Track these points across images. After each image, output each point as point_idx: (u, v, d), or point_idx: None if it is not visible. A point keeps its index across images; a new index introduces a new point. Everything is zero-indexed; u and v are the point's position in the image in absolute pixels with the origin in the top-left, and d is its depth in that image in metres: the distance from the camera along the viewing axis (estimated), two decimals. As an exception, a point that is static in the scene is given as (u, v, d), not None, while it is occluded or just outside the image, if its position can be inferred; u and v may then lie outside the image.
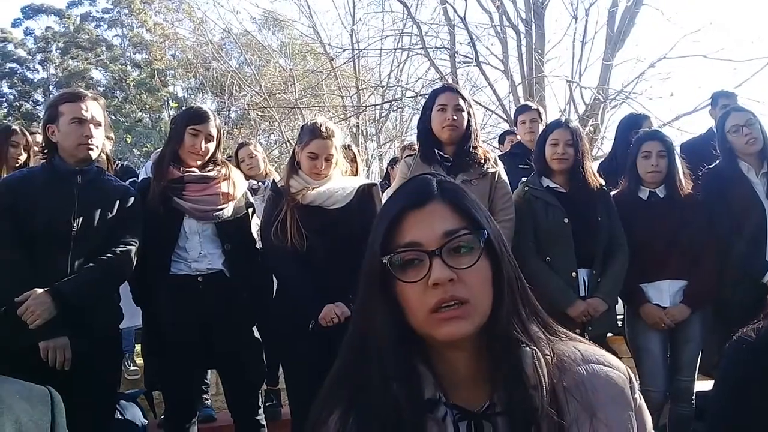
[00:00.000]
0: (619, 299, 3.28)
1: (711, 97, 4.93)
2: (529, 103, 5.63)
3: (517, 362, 0.94)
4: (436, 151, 3.08)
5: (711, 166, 3.41)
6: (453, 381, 0.96)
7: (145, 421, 3.71)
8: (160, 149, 3.06)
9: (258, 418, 2.97)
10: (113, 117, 17.70)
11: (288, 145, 11.70)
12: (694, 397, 3.23)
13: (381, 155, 13.61)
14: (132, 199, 2.75)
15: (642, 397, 1.00)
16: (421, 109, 3.36)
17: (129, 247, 2.65)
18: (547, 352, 0.96)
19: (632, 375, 1.01)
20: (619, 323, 3.68)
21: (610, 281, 3.08)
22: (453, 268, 0.91)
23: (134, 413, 3.68)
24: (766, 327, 1.21)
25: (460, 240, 0.94)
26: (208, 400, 3.90)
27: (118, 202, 2.69)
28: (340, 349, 1.05)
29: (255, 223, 3.14)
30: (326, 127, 2.91)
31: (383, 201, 3.18)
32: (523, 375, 0.93)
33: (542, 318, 1.01)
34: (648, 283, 3.19)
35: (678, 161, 3.28)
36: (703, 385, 3.58)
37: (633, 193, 3.28)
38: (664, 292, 3.18)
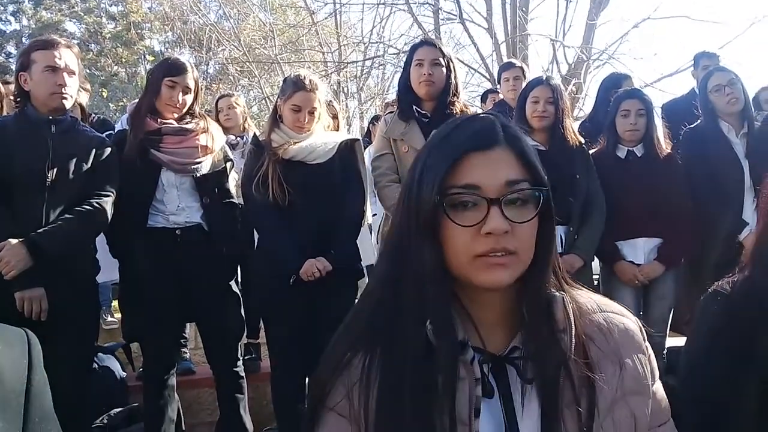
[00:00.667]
0: (595, 257, 3.33)
1: (693, 58, 4.93)
2: (513, 61, 5.59)
3: (548, 307, 0.95)
4: (414, 107, 3.06)
5: (692, 126, 3.43)
6: (479, 323, 0.96)
7: (124, 373, 3.73)
8: (137, 101, 3.00)
9: (237, 369, 2.99)
10: (88, 71, 17.23)
11: (267, 101, 11.56)
12: (665, 352, 3.31)
13: (362, 113, 13.51)
14: (108, 150, 2.71)
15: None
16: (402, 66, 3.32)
17: (105, 198, 2.62)
18: (571, 300, 0.98)
19: (641, 325, 1.04)
20: (596, 282, 3.74)
21: (586, 238, 3.12)
22: (509, 220, 0.89)
23: (112, 366, 3.69)
24: (741, 280, 1.23)
25: (521, 192, 0.91)
26: (187, 353, 3.92)
27: (93, 153, 2.65)
28: (367, 285, 1.03)
29: (233, 178, 3.12)
30: (310, 80, 2.87)
31: (365, 160, 3.16)
32: (552, 319, 0.94)
33: (562, 268, 1.01)
34: (623, 241, 3.23)
35: (657, 121, 3.29)
36: (675, 341, 3.67)
37: (611, 151, 3.29)
38: (639, 250, 3.22)
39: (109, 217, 2.64)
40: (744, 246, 3.17)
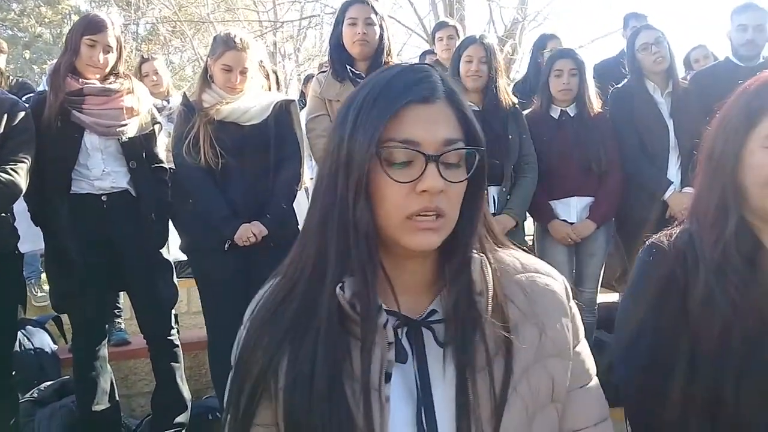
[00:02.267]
0: (530, 216, 3.38)
1: (623, 18, 5.01)
2: (447, 20, 5.57)
3: (465, 268, 0.92)
4: (348, 67, 3.00)
5: (619, 85, 3.49)
6: (397, 286, 0.93)
7: (55, 346, 3.64)
8: (55, 61, 2.85)
9: (171, 338, 2.94)
10: (9, 32, 16.39)
11: (200, 62, 11.19)
12: (596, 308, 3.42)
13: (300, 75, 13.27)
14: (21, 114, 2.56)
15: (575, 306, 1.02)
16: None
17: (19, 164, 2.48)
18: (492, 260, 0.95)
19: (568, 284, 1.03)
20: (529, 241, 3.82)
21: (518, 198, 3.15)
22: (445, 179, 0.85)
23: (42, 339, 3.60)
24: (678, 233, 1.25)
25: (458, 152, 0.88)
26: (121, 323, 3.83)
27: (5, 117, 2.49)
28: (296, 243, 0.97)
29: (162, 141, 3.01)
30: (241, 38, 2.78)
31: (301, 121, 3.10)
32: (470, 281, 0.91)
33: (492, 227, 0.99)
34: (557, 200, 3.29)
35: (589, 80, 3.33)
36: (606, 297, 3.80)
37: (545, 111, 3.33)
38: (572, 209, 3.29)
39: (23, 185, 2.50)
40: (669, 204, 3.27)
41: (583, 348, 1.01)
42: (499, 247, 1.00)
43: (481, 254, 0.94)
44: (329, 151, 0.92)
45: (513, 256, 1.01)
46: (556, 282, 1.00)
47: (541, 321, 0.95)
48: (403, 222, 0.87)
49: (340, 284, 0.88)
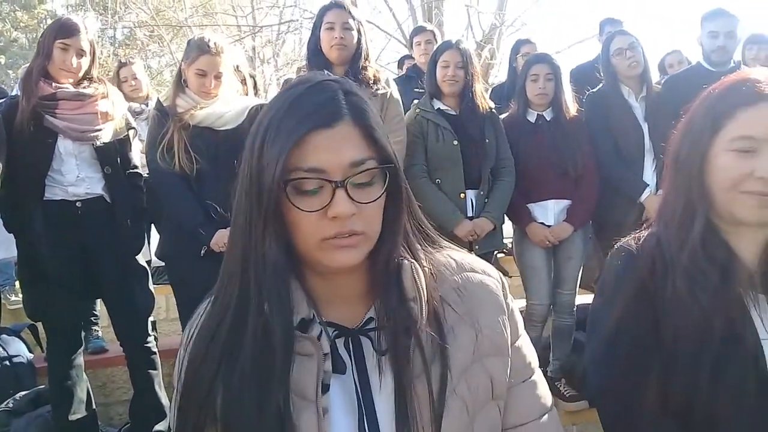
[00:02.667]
0: (507, 219, 3.40)
1: (599, 24, 5.07)
2: (425, 25, 5.60)
3: (396, 276, 0.92)
4: (326, 72, 2.99)
5: (594, 90, 3.53)
6: (331, 299, 0.94)
7: (31, 355, 3.58)
8: (29, 64, 2.82)
9: (148, 345, 2.92)
10: (-16, 36, 16.21)
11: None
12: (575, 310, 3.45)
13: (278, 79, 13.23)
14: None
15: (513, 301, 1.03)
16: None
17: None
18: (426, 264, 0.95)
19: (504, 281, 1.03)
20: (508, 244, 3.83)
21: (496, 202, 3.16)
22: (355, 202, 0.85)
23: (18, 348, 3.54)
24: (646, 237, 1.26)
25: (366, 173, 0.87)
26: (98, 331, 3.78)
27: None
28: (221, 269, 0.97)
29: (137, 147, 2.98)
30: (215, 43, 2.75)
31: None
32: (401, 288, 0.91)
33: (424, 230, 0.99)
34: (534, 203, 3.31)
35: (565, 85, 3.36)
36: (584, 298, 3.83)
37: (521, 115, 3.35)
38: (549, 211, 3.31)
39: None
40: (645, 206, 3.31)
41: (524, 342, 1.02)
42: (434, 248, 1.00)
43: (412, 260, 0.94)
44: (241, 178, 0.91)
45: (448, 256, 1.01)
46: (492, 279, 1.01)
47: (477, 321, 0.95)
48: (320, 244, 0.87)
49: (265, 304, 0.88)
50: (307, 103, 0.88)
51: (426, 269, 0.95)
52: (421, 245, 0.98)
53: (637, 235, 1.29)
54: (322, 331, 0.90)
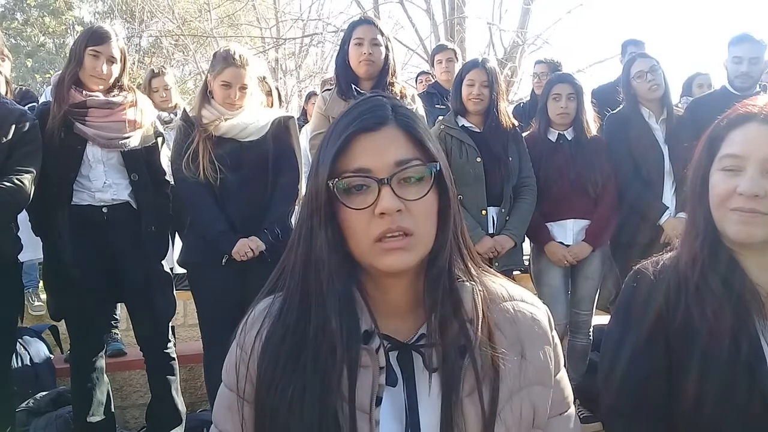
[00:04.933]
0: (526, 238, 3.41)
1: (621, 45, 5.08)
2: (446, 43, 5.64)
3: (456, 296, 0.94)
4: (353, 86, 3.03)
5: (615, 111, 3.53)
6: (385, 311, 0.96)
7: (51, 355, 3.63)
8: (60, 72, 2.88)
9: (168, 351, 2.95)
10: (13, 41, 16.44)
11: (203, 76, 11.24)
12: (591, 330, 3.43)
13: (300, 91, 13.34)
14: (29, 124, 2.58)
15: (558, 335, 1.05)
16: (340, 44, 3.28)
17: (25, 174, 2.51)
18: (481, 288, 0.98)
19: (550, 314, 1.05)
20: (526, 262, 3.83)
21: (517, 219, 3.18)
22: (401, 199, 0.89)
23: (39, 348, 3.59)
24: (664, 261, 1.28)
25: (411, 170, 0.91)
26: (118, 334, 3.83)
27: (13, 127, 2.52)
28: (276, 268, 1.02)
29: (165, 154, 3.03)
30: (240, 55, 2.79)
31: (299, 138, 3.13)
32: (461, 308, 0.94)
33: (474, 254, 1.01)
34: (553, 222, 3.32)
35: (587, 105, 3.37)
36: (601, 319, 3.81)
37: (543, 134, 3.37)
38: (568, 231, 3.31)
39: (30, 194, 2.52)
40: (664, 229, 3.30)
41: (563, 377, 1.04)
42: (483, 273, 1.03)
43: (473, 282, 0.97)
44: (306, 191, 0.98)
45: (499, 283, 1.04)
46: (540, 311, 1.03)
47: (525, 349, 0.97)
48: (372, 246, 0.90)
49: (328, 309, 0.91)
50: (355, 111, 0.95)
51: (482, 293, 0.97)
52: (474, 269, 1.00)
53: (656, 258, 1.30)
54: (381, 343, 0.93)
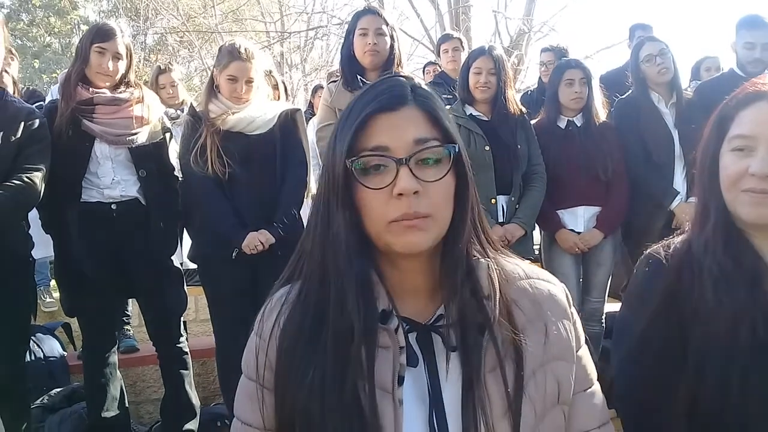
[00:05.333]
0: (536, 226, 3.39)
1: (629, 29, 5.03)
2: (451, 32, 5.61)
3: (473, 274, 0.94)
4: (359, 77, 3.02)
5: (624, 96, 3.50)
6: (402, 292, 0.96)
7: (64, 353, 3.66)
8: (67, 69, 2.88)
9: (180, 346, 2.96)
10: (19, 41, 16.51)
11: (208, 72, 11.26)
12: (603, 317, 3.42)
13: (306, 85, 13.33)
14: (38, 122, 2.59)
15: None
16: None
17: (36, 173, 2.51)
18: (497, 266, 0.98)
19: (568, 291, 1.05)
20: (536, 251, 3.81)
21: (527, 208, 3.16)
22: (419, 180, 0.88)
23: (52, 345, 3.62)
24: (676, 245, 1.26)
25: (430, 151, 0.90)
26: (130, 330, 3.85)
27: (22, 125, 2.52)
28: (297, 249, 1.01)
29: (173, 150, 3.04)
30: (246, 49, 2.79)
31: (307, 130, 3.12)
32: (478, 285, 0.94)
33: (490, 236, 1.01)
34: (564, 209, 3.30)
35: (596, 90, 3.35)
36: (613, 306, 3.79)
37: (552, 121, 3.34)
38: (579, 218, 3.29)
39: (40, 192, 2.53)
40: (675, 214, 3.28)
41: (585, 353, 1.03)
42: (499, 254, 1.02)
43: (488, 258, 0.97)
44: (322, 171, 0.97)
45: (514, 263, 1.03)
46: (557, 287, 1.03)
47: (545, 325, 0.97)
48: (388, 226, 0.89)
49: (346, 290, 0.91)
50: (374, 91, 0.94)
51: (498, 270, 0.97)
52: (489, 249, 1.00)
53: (667, 242, 1.29)
54: (399, 323, 0.92)
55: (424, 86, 0.96)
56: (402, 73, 1.00)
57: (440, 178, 0.90)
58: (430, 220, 0.89)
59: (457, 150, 0.92)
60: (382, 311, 0.92)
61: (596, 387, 1.03)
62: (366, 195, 0.90)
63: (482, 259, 0.96)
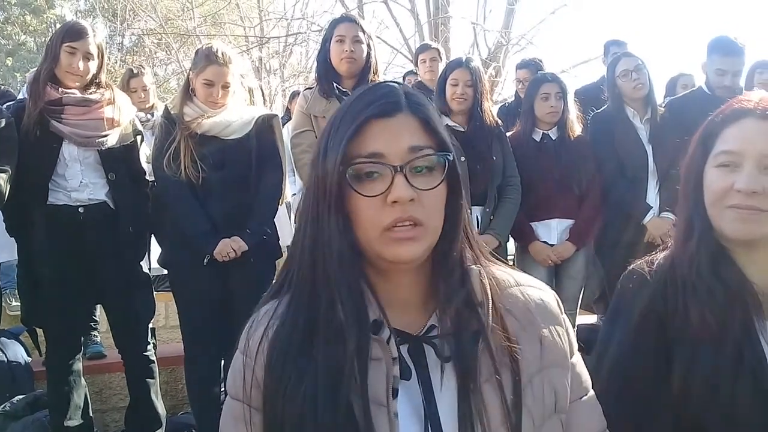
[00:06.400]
0: (510, 237, 3.40)
1: (603, 45, 5.09)
2: (429, 43, 5.64)
3: (466, 282, 0.93)
4: (335, 84, 3.01)
5: (599, 111, 3.54)
6: (393, 303, 0.94)
7: (29, 358, 3.57)
8: (36, 68, 2.82)
9: (147, 354, 2.90)
10: (-7, 39, 16.32)
11: (185, 75, 11.18)
12: (575, 330, 3.43)
13: (284, 90, 13.28)
14: (4, 122, 2.53)
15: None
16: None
17: (0, 174, 2.45)
18: (489, 274, 0.97)
19: (558, 298, 1.04)
20: (510, 262, 3.82)
21: (502, 219, 3.17)
22: (414, 188, 0.87)
23: (16, 351, 3.53)
24: (659, 261, 1.26)
25: (424, 158, 0.89)
26: (97, 336, 3.77)
27: None
28: (286, 261, 0.99)
29: (144, 153, 2.99)
30: (223, 53, 2.75)
31: (283, 137, 3.09)
32: (471, 292, 0.93)
33: (479, 243, 1.00)
34: (537, 222, 3.31)
35: (571, 105, 3.38)
36: (584, 318, 3.82)
37: (527, 134, 3.36)
38: (553, 230, 3.32)
39: (5, 194, 2.47)
40: (648, 228, 3.30)
41: (578, 360, 1.02)
42: (490, 263, 1.02)
43: (479, 266, 0.96)
44: (310, 173, 0.95)
45: (504, 271, 1.02)
46: (548, 294, 1.02)
47: (539, 331, 0.96)
48: (381, 235, 0.88)
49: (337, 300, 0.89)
50: (368, 97, 0.93)
51: (490, 277, 0.96)
52: (480, 256, 0.99)
53: (650, 257, 1.28)
54: (391, 334, 0.90)
55: (416, 93, 0.96)
56: (394, 80, 0.99)
57: (434, 187, 0.89)
58: (423, 229, 0.89)
59: (451, 158, 0.91)
60: (373, 321, 0.90)
61: (592, 394, 1.03)
62: (359, 202, 0.89)
63: (474, 267, 0.96)
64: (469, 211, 0.99)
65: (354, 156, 0.88)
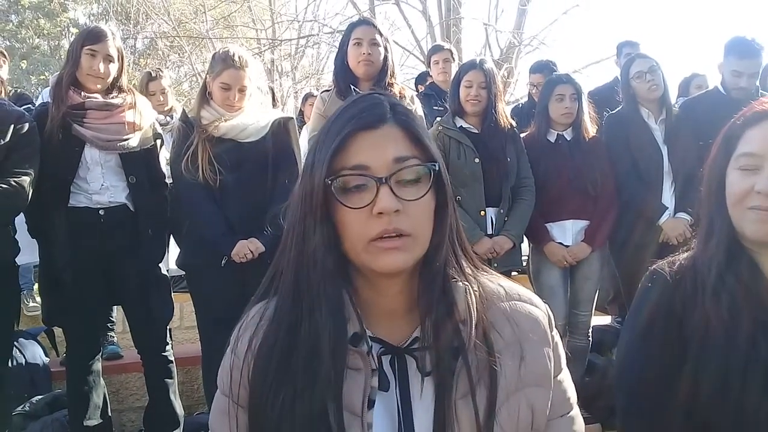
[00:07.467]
0: (525, 239, 3.40)
1: (616, 47, 5.09)
2: (442, 44, 5.64)
3: (450, 297, 0.93)
4: (352, 87, 3.02)
5: (614, 112, 3.53)
6: (379, 314, 0.95)
7: (47, 359, 3.61)
8: (59, 72, 2.86)
9: (165, 354, 2.93)
10: (7, 42, 16.42)
11: (198, 77, 11.24)
12: (590, 331, 3.43)
13: (296, 92, 13.32)
14: (27, 125, 2.57)
15: (558, 335, 1.03)
16: (338, 45, 3.28)
17: (24, 177, 2.49)
18: (476, 288, 0.96)
19: (551, 313, 1.03)
20: (524, 263, 3.83)
21: (516, 220, 3.17)
22: (399, 198, 0.87)
23: (34, 351, 3.57)
24: (681, 262, 1.27)
25: (410, 169, 0.89)
26: (114, 337, 3.81)
27: (11, 128, 2.50)
28: (268, 272, 1.00)
29: (164, 156, 3.02)
30: (239, 56, 2.78)
31: (299, 138, 3.11)
32: (454, 309, 0.92)
33: (470, 253, 1.00)
34: (552, 223, 3.31)
35: (585, 105, 3.38)
36: (598, 319, 3.81)
37: (542, 135, 3.36)
38: (567, 231, 3.31)
39: (28, 197, 2.51)
40: (663, 229, 3.30)
41: (565, 377, 1.01)
42: (480, 272, 1.01)
43: (465, 282, 0.95)
44: (299, 184, 0.95)
45: (495, 282, 1.01)
46: (539, 310, 1.01)
47: (523, 350, 0.95)
48: (368, 246, 0.88)
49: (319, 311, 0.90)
50: (353, 109, 0.93)
51: (477, 293, 0.96)
52: (470, 269, 0.99)
53: (672, 258, 1.29)
54: (372, 346, 0.92)
55: (402, 104, 0.96)
56: (379, 91, 0.99)
57: (420, 197, 0.89)
58: (410, 240, 0.88)
59: (437, 168, 0.91)
60: (353, 334, 0.91)
61: (574, 412, 1.02)
62: (345, 214, 0.89)
63: (460, 282, 0.95)
64: (459, 220, 0.98)
65: (339, 168, 0.89)
